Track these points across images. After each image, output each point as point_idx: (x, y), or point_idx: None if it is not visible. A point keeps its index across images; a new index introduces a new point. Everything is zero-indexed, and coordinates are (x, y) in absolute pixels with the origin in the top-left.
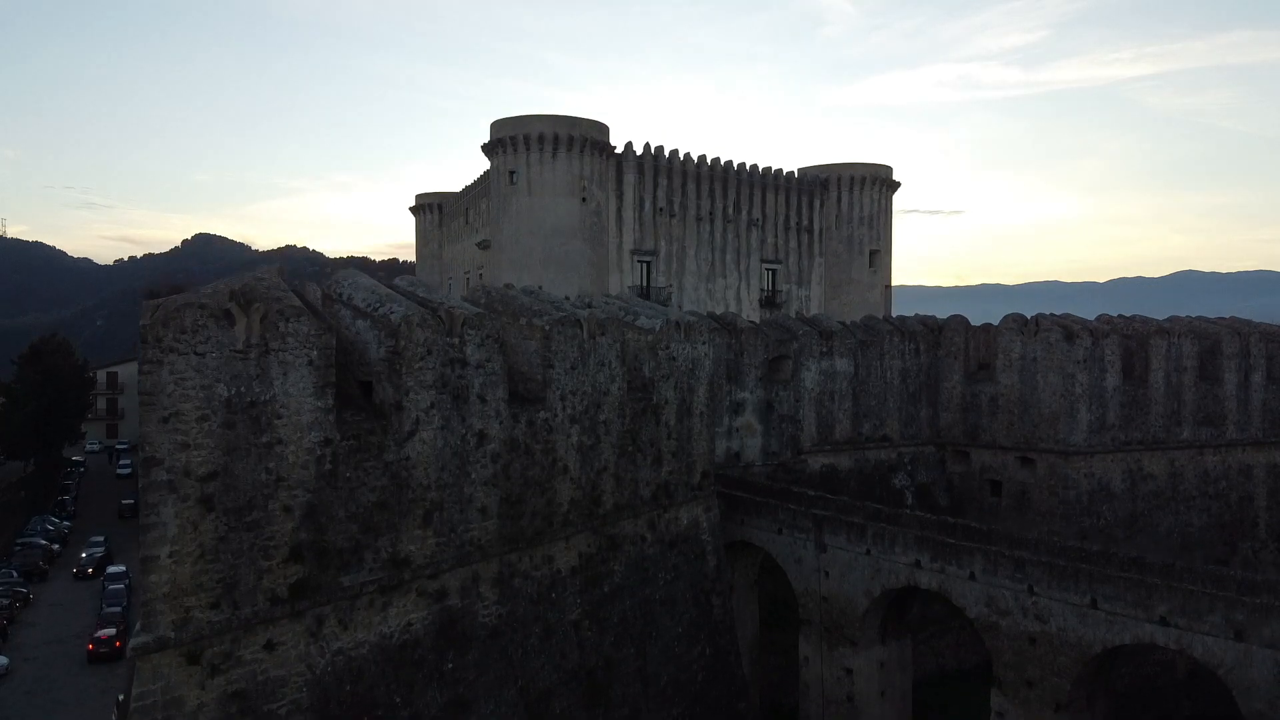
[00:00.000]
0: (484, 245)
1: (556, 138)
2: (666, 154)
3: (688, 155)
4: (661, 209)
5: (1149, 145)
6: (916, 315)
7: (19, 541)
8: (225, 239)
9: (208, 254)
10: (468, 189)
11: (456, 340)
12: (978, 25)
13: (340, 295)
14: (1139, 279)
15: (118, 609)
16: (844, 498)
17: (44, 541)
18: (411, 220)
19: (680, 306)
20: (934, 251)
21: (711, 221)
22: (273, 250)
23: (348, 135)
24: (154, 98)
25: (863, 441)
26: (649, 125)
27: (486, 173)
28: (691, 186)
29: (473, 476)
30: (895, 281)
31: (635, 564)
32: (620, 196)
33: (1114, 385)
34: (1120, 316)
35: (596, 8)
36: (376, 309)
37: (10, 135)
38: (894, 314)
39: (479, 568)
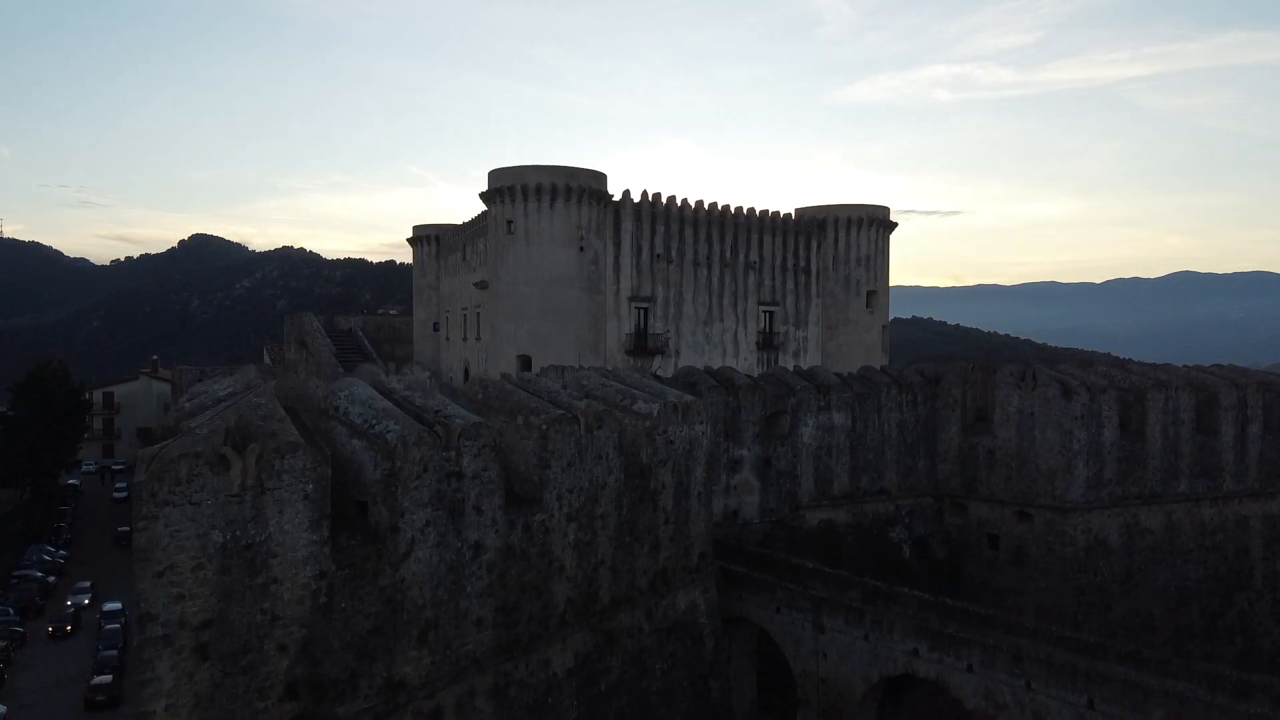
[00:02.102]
0: (481, 286)
1: (554, 188)
2: (664, 200)
3: (685, 201)
4: (659, 255)
5: (1146, 146)
6: (914, 366)
7: (15, 574)
8: (222, 239)
9: (205, 254)
10: (465, 225)
11: (453, 454)
12: (974, 25)
13: (338, 409)
14: (1136, 279)
15: (114, 652)
16: (843, 572)
17: (39, 574)
18: (411, 223)
19: (678, 352)
20: (931, 252)
21: (709, 266)
22: (270, 251)
23: (346, 134)
24: (149, 96)
25: (861, 495)
26: (647, 124)
27: (484, 213)
28: (689, 232)
29: (468, 589)
30: (894, 283)
31: (633, 657)
32: (618, 244)
33: (1111, 440)
34: (1118, 368)
35: (593, 6)
36: (373, 426)
37: (5, 133)
38: (891, 315)
39: (475, 681)
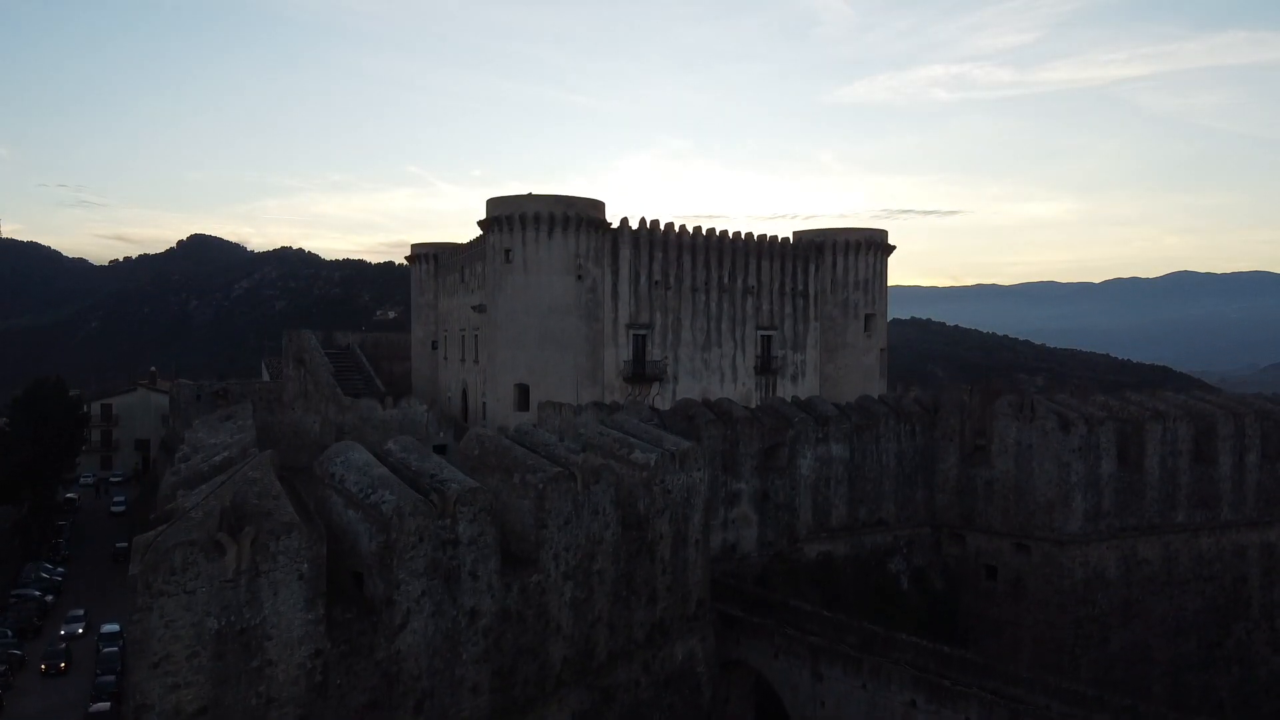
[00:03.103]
0: (479, 309)
1: (552, 217)
2: (662, 227)
3: (683, 228)
4: (657, 281)
5: (1144, 146)
6: (912, 395)
7: (13, 594)
8: (221, 239)
9: (204, 255)
10: (463, 246)
11: (449, 521)
12: (972, 25)
13: (333, 476)
14: (1134, 279)
15: (112, 677)
16: (840, 616)
17: (37, 593)
18: (410, 223)
19: (676, 378)
20: (930, 252)
21: (707, 291)
22: (269, 252)
23: (344, 134)
24: (148, 95)
25: (859, 526)
26: (645, 124)
27: (481, 236)
28: (687, 258)
29: (464, 656)
30: (892, 282)
31: (631, 712)
32: (616, 272)
33: (1109, 472)
34: (1116, 399)
35: (592, 6)
36: (369, 496)
37: (3, 132)
38: (889, 316)
39: None
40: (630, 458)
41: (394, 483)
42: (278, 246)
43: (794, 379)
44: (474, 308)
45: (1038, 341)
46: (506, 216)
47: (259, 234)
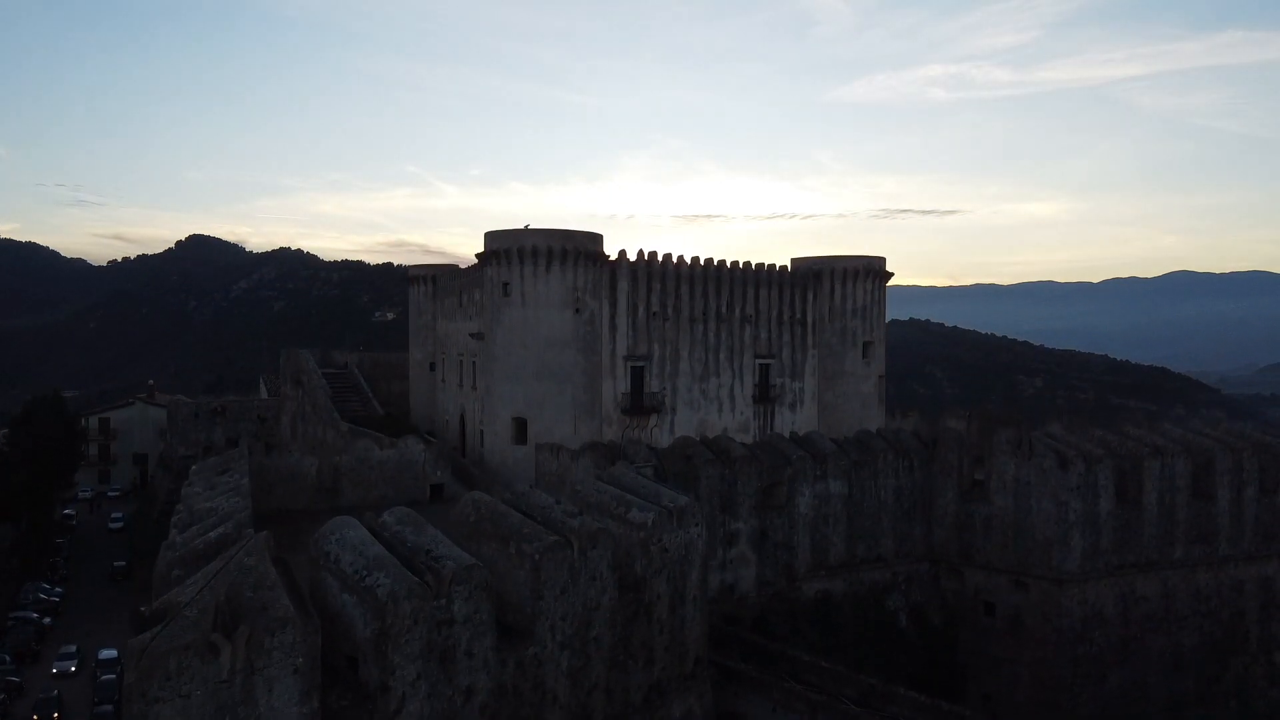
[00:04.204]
0: (477, 337)
1: (550, 251)
2: (660, 259)
3: (680, 258)
4: (655, 313)
5: (1143, 146)
6: (913, 424)
7: (11, 617)
8: (219, 240)
9: (202, 255)
10: (461, 271)
11: (444, 601)
12: (970, 25)
13: (328, 557)
14: (1133, 279)
15: (109, 707)
16: (840, 667)
17: (35, 615)
18: (409, 222)
19: (674, 410)
20: (928, 252)
21: (705, 322)
22: (268, 252)
23: (343, 133)
24: (146, 94)
25: (857, 563)
26: (643, 123)
27: (477, 265)
28: (685, 289)
29: None
30: (891, 282)
31: None
32: (614, 304)
33: (1108, 510)
34: (1114, 434)
35: (590, 6)
36: (364, 579)
37: (0, 131)
38: (888, 317)
39: None
40: (627, 516)
41: (389, 564)
42: (276, 247)
43: (792, 407)
44: (472, 335)
45: (1036, 342)
46: (505, 250)
47: (257, 233)
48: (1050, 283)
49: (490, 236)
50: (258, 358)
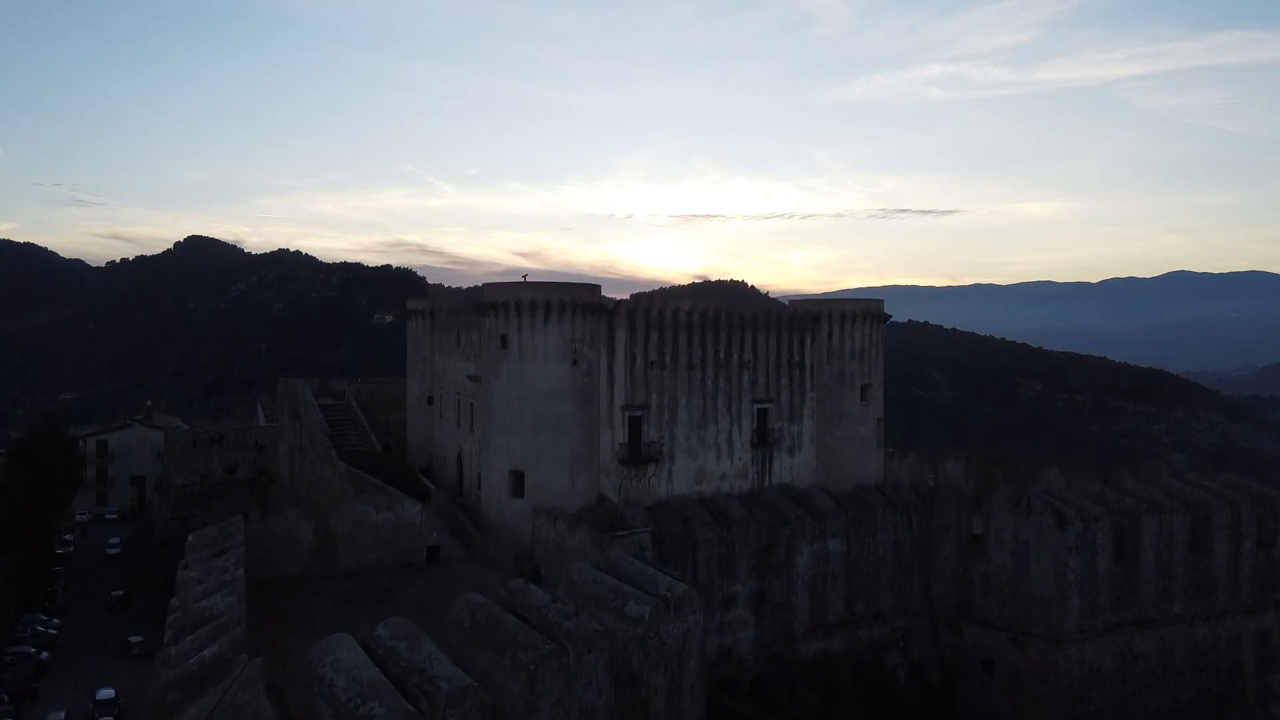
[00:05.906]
0: (474, 379)
1: (548, 304)
2: (657, 309)
3: (677, 308)
4: (653, 362)
5: (1141, 145)
6: (911, 481)
7: (9, 652)
8: (218, 241)
9: (201, 257)
10: (457, 308)
11: None
12: (969, 25)
13: (322, 680)
14: (1131, 279)
15: None
16: None
17: (33, 650)
18: (408, 222)
19: (672, 458)
20: (927, 252)
21: (703, 369)
22: (267, 254)
23: (341, 133)
24: (144, 93)
25: (855, 620)
26: (642, 123)
27: (475, 305)
28: (683, 337)
29: None
30: (889, 282)
31: None
32: (611, 354)
33: (1106, 568)
34: (1112, 490)
35: (589, 5)
36: (358, 708)
37: None
38: (887, 318)
39: None
40: (625, 610)
41: (384, 690)
42: (275, 247)
43: (790, 451)
44: (469, 377)
45: (1034, 343)
46: (502, 303)
47: (255, 233)
48: (1049, 283)
49: (488, 289)
50: (257, 359)
